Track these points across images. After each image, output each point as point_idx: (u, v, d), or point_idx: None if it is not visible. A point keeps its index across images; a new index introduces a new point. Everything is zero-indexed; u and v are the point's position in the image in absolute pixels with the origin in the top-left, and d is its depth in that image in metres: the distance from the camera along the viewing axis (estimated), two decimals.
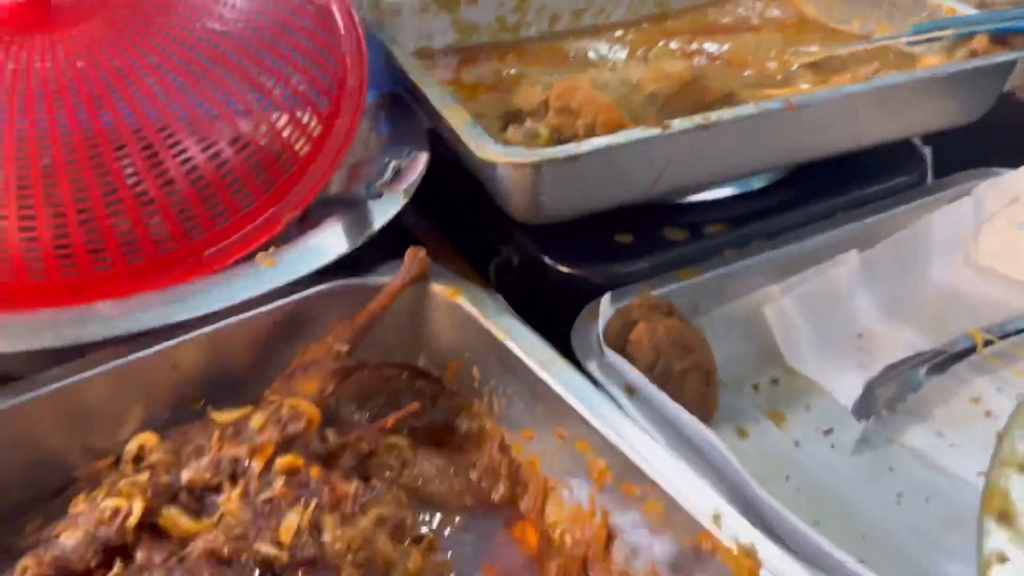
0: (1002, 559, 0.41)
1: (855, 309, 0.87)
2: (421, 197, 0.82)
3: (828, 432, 0.76)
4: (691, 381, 0.74)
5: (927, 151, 1.02)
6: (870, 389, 0.77)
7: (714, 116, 0.75)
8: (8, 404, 0.66)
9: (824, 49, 1.07)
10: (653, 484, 0.57)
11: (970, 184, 0.96)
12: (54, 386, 0.68)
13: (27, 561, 0.60)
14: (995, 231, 0.95)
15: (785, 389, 0.81)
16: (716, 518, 0.53)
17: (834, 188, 0.94)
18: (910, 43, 1.04)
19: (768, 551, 0.51)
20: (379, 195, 0.76)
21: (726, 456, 0.60)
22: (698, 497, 0.55)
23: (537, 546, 0.66)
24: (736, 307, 0.83)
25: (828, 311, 0.85)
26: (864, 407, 0.76)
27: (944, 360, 0.81)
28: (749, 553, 0.51)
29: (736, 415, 0.77)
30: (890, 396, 0.78)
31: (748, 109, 0.77)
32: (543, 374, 0.66)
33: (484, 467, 0.71)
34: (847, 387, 0.79)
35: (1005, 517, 0.42)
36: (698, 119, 0.75)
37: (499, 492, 0.70)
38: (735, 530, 0.53)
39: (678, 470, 0.57)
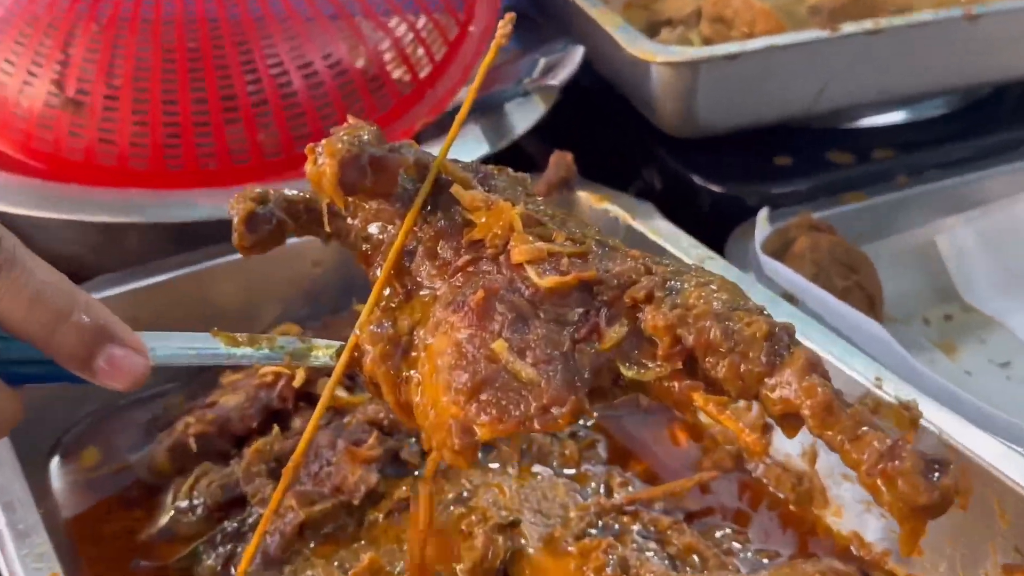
0: None
1: None
2: (545, 129, 1.06)
3: (1004, 365, 0.99)
4: (853, 302, 0.96)
5: None
6: None
7: (884, 21, 0.99)
8: (140, 284, 0.91)
9: None
10: None
11: None
12: (181, 271, 0.93)
13: (188, 418, 0.85)
14: None
15: (958, 325, 1.04)
16: (878, 380, 0.76)
17: (1020, 119, 1.16)
18: None
19: (928, 408, 0.74)
20: (526, 93, 1.01)
21: (889, 341, 0.83)
22: (860, 366, 0.78)
23: (687, 445, 0.89)
24: (906, 238, 1.06)
25: (1012, 249, 1.07)
26: None
27: None
28: (909, 407, 0.74)
29: (902, 344, 0.98)
30: None
31: (923, 16, 1.01)
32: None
33: None
34: None
35: None
36: (868, 23, 0.98)
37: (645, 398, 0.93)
38: (896, 391, 0.75)
39: (841, 347, 0.80)
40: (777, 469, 0.84)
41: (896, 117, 1.15)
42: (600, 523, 0.78)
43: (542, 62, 1.03)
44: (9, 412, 0.51)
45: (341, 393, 0.87)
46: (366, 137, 0.55)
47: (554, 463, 0.86)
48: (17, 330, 0.48)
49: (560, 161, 1.00)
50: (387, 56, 1.04)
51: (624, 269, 0.54)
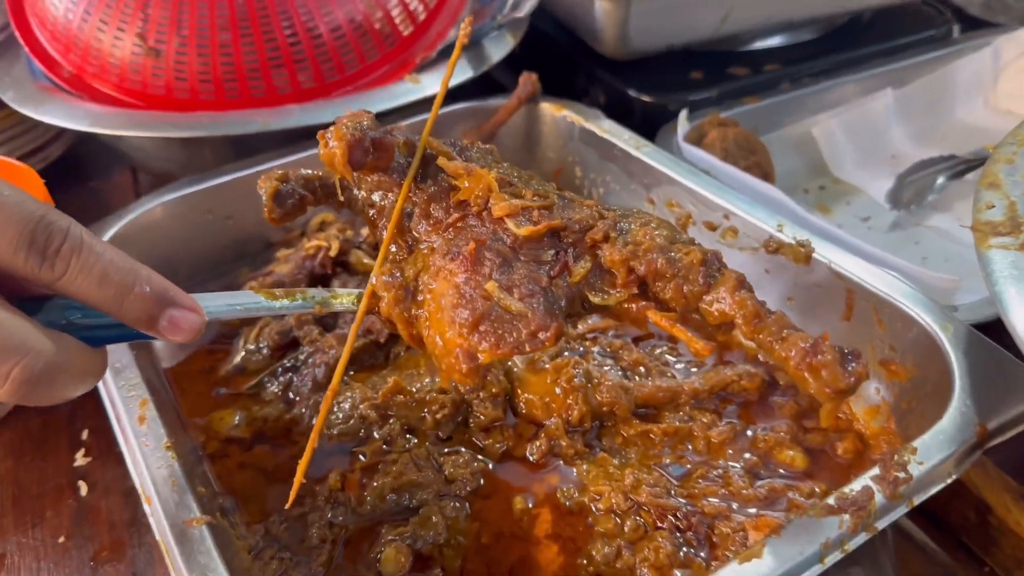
0: (989, 206, 0.57)
1: (890, 135, 1.02)
2: (510, 59, 0.97)
3: (866, 219, 0.92)
4: (753, 176, 0.90)
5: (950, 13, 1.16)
6: (900, 180, 0.92)
7: None
8: (213, 183, 0.84)
9: None
10: (729, 212, 0.73)
11: (989, 39, 1.10)
12: (248, 171, 0.85)
13: (252, 283, 0.78)
14: (1011, 78, 1.09)
15: (830, 192, 0.97)
16: (779, 226, 0.70)
17: (874, 39, 1.08)
18: None
19: (819, 245, 0.67)
20: (500, 27, 0.92)
21: (784, 200, 0.76)
22: (765, 216, 0.71)
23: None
24: (791, 130, 0.99)
25: (867, 134, 1.00)
26: (895, 196, 0.91)
27: (963, 169, 0.95)
28: (804, 244, 0.67)
29: None
30: (916, 193, 0.93)
31: None
32: (637, 153, 0.82)
33: None
34: (883, 189, 0.94)
35: (994, 184, 0.58)
36: None
37: None
38: (793, 234, 0.69)
39: (747, 202, 0.73)
40: None
41: (780, 40, 1.07)
42: (568, 347, 0.73)
43: (510, 1, 0.94)
44: (98, 366, 0.46)
45: (367, 260, 0.81)
46: (366, 123, 0.53)
47: None
48: (92, 303, 0.44)
49: (527, 80, 0.92)
50: (393, 7, 0.94)
51: (583, 216, 0.53)
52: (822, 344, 0.45)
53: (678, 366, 0.72)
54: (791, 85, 1.01)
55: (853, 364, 0.44)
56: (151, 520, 0.51)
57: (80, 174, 1.10)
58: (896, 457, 0.48)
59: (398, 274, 0.53)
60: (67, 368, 0.43)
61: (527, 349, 0.48)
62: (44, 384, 0.41)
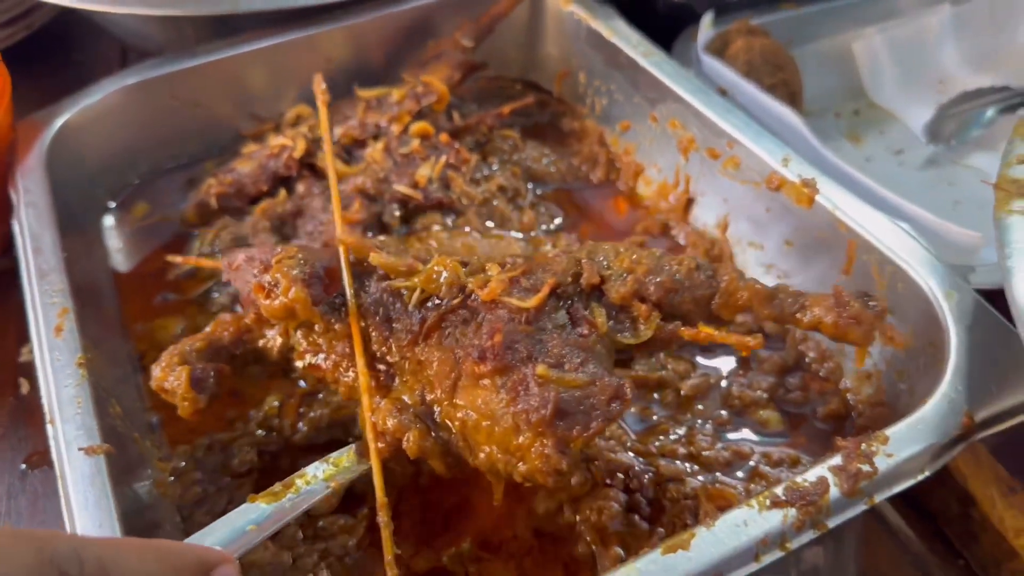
0: (1021, 160, 0.50)
1: (941, 57, 0.93)
2: None
3: (899, 152, 0.84)
4: (778, 96, 0.82)
5: None
6: (942, 111, 0.84)
7: None
8: (180, 67, 0.79)
9: None
10: (733, 141, 0.66)
11: None
12: (219, 55, 0.80)
13: (211, 181, 0.75)
14: None
15: (864, 119, 0.89)
16: (785, 160, 0.63)
17: None
18: None
19: (826, 187, 0.61)
20: None
21: (799, 127, 0.70)
22: (771, 148, 0.65)
23: (627, 213, 0.77)
24: (829, 43, 0.90)
25: (915, 55, 0.91)
26: (935, 129, 0.83)
27: (1017, 103, 0.86)
28: (808, 184, 0.61)
29: (816, 134, 0.85)
30: (959, 127, 0.85)
31: None
32: (645, 63, 0.75)
33: (584, 155, 0.82)
34: (922, 119, 0.86)
35: None
36: None
37: (596, 175, 0.81)
38: (799, 171, 0.63)
39: (755, 131, 0.67)
40: (695, 235, 0.72)
41: None
42: None
43: None
44: None
45: (339, 165, 0.76)
46: (301, 259, 0.49)
47: (512, 228, 0.75)
48: None
49: None
50: None
51: (565, 267, 0.51)
52: (843, 296, 0.48)
53: None
54: None
55: (873, 303, 0.48)
56: (51, 443, 0.48)
57: (65, 49, 1.05)
58: (863, 447, 0.44)
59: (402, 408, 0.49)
60: None
61: (613, 418, 0.45)
62: None
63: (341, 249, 0.50)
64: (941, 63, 0.93)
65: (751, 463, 0.55)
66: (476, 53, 0.84)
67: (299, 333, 0.52)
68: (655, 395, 0.61)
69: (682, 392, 0.61)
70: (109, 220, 0.76)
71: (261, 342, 0.54)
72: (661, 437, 0.58)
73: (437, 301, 0.49)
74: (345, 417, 0.58)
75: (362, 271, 0.51)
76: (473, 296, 0.48)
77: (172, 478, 0.55)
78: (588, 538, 0.52)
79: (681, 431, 0.58)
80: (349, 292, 0.50)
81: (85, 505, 0.45)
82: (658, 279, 0.49)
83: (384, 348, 0.50)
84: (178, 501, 0.54)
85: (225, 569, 0.36)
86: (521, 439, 0.43)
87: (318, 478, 0.48)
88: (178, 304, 0.68)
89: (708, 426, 0.58)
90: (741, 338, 0.47)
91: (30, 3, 1.00)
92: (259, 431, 0.58)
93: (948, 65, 0.93)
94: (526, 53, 0.90)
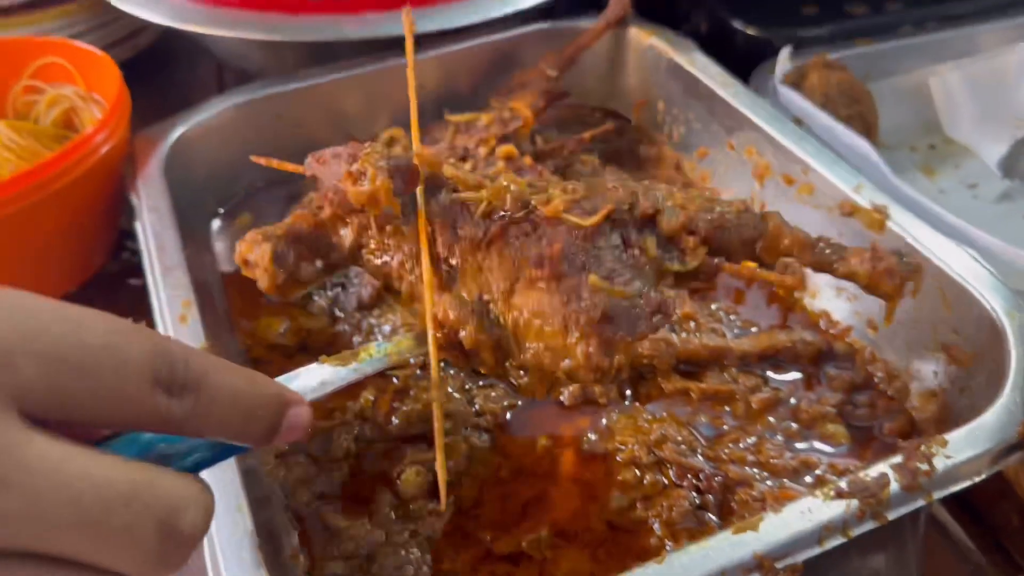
0: None
1: (1019, 95, 0.96)
2: None
3: (973, 186, 0.88)
4: (853, 129, 0.86)
5: None
6: (1019, 146, 0.87)
7: None
8: (283, 89, 0.87)
9: None
10: (808, 167, 0.71)
11: None
12: (319, 79, 0.88)
13: (313, 194, 0.82)
14: None
15: (939, 153, 0.93)
16: (857, 187, 0.68)
17: None
18: None
19: (897, 213, 0.65)
20: None
21: (872, 156, 0.74)
22: (844, 176, 0.69)
23: None
24: (905, 79, 0.94)
25: (992, 92, 0.94)
26: (1010, 163, 0.87)
27: None
28: (879, 210, 0.65)
29: (890, 166, 0.89)
30: None
31: None
32: (723, 93, 0.80)
33: (661, 180, 0.87)
34: (999, 154, 0.90)
35: None
36: None
37: None
38: (871, 197, 0.67)
39: (830, 158, 0.71)
40: None
41: None
42: None
43: None
44: (211, 496, 0.37)
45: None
46: (388, 153, 0.53)
47: None
48: (212, 436, 0.38)
49: (618, 1, 0.91)
50: None
51: (622, 196, 0.55)
52: (880, 250, 0.53)
53: (732, 323, 0.72)
54: (913, 29, 0.95)
55: (906, 258, 0.54)
56: None
57: (167, 66, 1.15)
58: (923, 448, 0.48)
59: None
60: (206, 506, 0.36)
61: (655, 330, 0.51)
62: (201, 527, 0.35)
63: (416, 161, 0.55)
64: (1019, 101, 0.96)
65: (818, 471, 0.59)
66: (559, 83, 0.90)
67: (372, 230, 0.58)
68: (726, 408, 0.65)
69: (752, 405, 0.65)
70: (217, 224, 0.84)
71: (335, 239, 0.60)
72: (731, 445, 0.62)
73: (502, 214, 0.54)
74: (431, 414, 0.64)
75: (435, 184, 0.56)
76: (536, 212, 0.54)
77: (277, 457, 0.61)
78: (660, 532, 0.56)
79: (751, 440, 0.62)
80: (420, 198, 0.55)
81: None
82: (708, 216, 0.54)
83: (447, 251, 0.55)
84: (281, 481, 0.60)
85: (300, 408, 0.41)
86: (570, 338, 0.49)
87: (381, 352, 0.55)
88: (281, 306, 0.74)
89: (777, 437, 0.62)
90: (782, 276, 0.52)
91: (136, 25, 1.10)
92: (355, 421, 0.64)
93: None
94: (606, 83, 0.96)
